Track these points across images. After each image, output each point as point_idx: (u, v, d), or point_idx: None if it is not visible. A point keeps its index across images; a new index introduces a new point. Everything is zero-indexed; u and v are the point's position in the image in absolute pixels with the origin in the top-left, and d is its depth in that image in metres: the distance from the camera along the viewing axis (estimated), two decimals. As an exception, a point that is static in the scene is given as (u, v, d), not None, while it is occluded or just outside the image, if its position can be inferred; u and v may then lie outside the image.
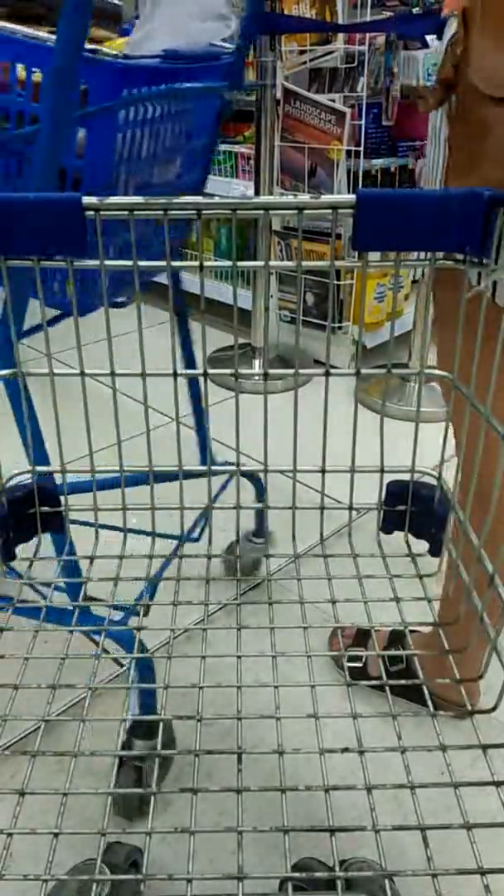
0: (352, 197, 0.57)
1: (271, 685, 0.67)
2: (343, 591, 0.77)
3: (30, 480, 0.78)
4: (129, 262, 0.67)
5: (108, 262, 0.71)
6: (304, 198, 0.58)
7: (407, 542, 0.81)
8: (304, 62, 2.34)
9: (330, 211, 0.59)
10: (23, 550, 0.78)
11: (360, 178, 2.30)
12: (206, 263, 0.67)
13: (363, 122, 2.24)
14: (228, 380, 2.31)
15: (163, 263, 0.67)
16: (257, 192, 2.40)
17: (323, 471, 0.79)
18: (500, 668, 0.60)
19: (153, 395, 0.72)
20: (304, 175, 2.41)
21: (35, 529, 0.80)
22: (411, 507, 0.79)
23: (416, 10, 2.35)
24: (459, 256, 0.61)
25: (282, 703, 0.65)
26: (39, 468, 0.78)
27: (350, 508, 0.82)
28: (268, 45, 2.18)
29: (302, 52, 2.32)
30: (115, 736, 0.62)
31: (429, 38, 2.32)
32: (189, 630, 0.72)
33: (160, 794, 0.57)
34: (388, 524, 0.81)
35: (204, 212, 0.59)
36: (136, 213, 0.59)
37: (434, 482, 0.79)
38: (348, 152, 2.28)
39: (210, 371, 0.75)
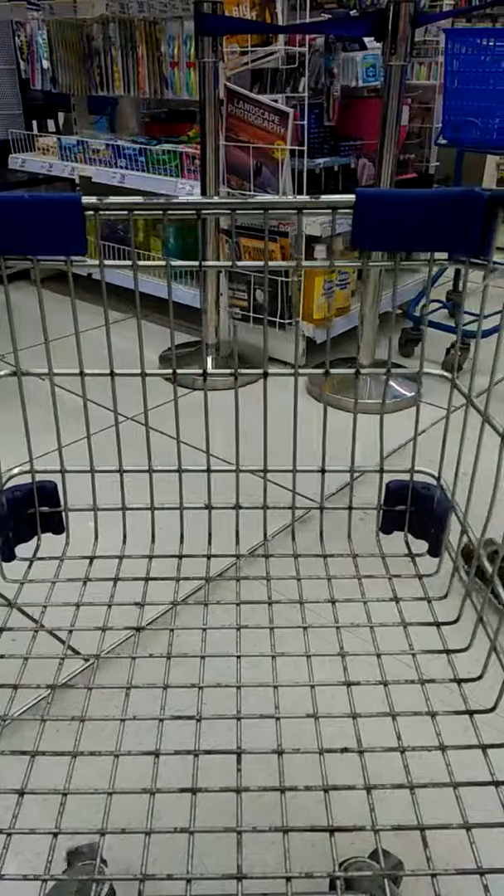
0: (351, 197, 0.57)
1: (271, 685, 0.67)
2: (343, 591, 0.77)
3: (29, 480, 0.78)
4: (129, 263, 0.67)
5: (107, 262, 0.71)
6: (304, 198, 0.58)
7: (406, 542, 0.81)
8: (246, 63, 2.35)
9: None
10: (22, 551, 0.78)
11: (305, 178, 2.31)
12: (206, 264, 0.67)
13: (305, 121, 2.26)
14: (184, 378, 2.32)
15: (162, 263, 0.67)
16: (204, 192, 2.41)
17: (323, 471, 0.79)
18: (500, 668, 0.60)
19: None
20: (250, 174, 2.41)
21: (35, 529, 0.80)
22: (410, 508, 0.79)
23: (353, 13, 2.39)
24: (459, 256, 0.61)
25: (282, 703, 0.65)
26: (39, 468, 0.78)
27: (350, 508, 0.82)
28: (209, 46, 2.18)
29: (243, 53, 2.33)
30: (115, 736, 0.62)
31: (366, 39, 2.36)
32: (188, 629, 0.72)
33: (159, 793, 0.57)
34: (388, 524, 0.81)
35: (203, 212, 0.59)
36: (135, 212, 0.59)
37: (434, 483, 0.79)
38: (292, 151, 2.29)
39: (210, 371, 0.75)
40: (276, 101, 2.29)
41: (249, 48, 2.31)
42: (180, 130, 2.95)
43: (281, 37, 2.25)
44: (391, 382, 2.30)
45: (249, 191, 2.43)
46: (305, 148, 2.28)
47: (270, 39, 2.28)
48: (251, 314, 2.63)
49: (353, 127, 2.54)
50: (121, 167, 2.82)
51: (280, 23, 2.24)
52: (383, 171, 2.13)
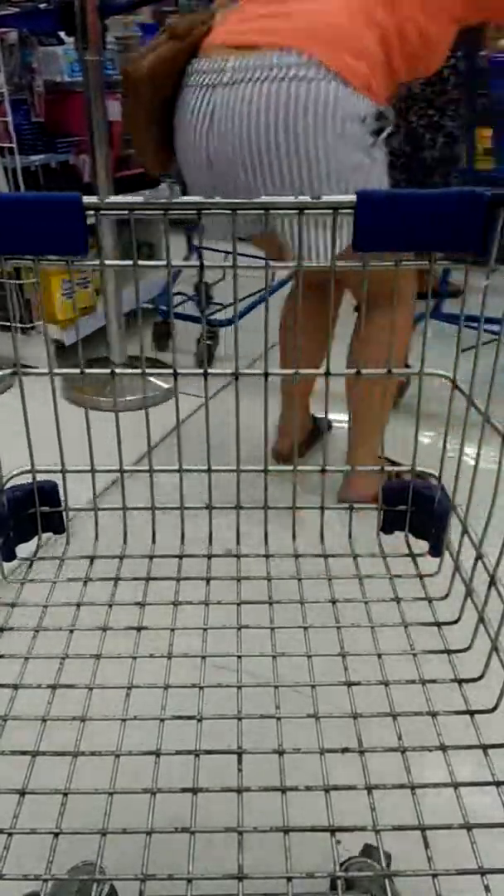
0: (352, 197, 0.57)
1: (272, 685, 0.67)
2: (343, 591, 0.77)
3: (30, 480, 0.78)
4: (129, 262, 0.67)
5: (107, 262, 0.71)
6: (304, 198, 0.58)
7: (407, 542, 0.81)
8: None
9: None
10: (22, 551, 0.78)
11: (20, 176, 2.25)
12: (207, 264, 0.67)
13: (10, 118, 2.18)
14: None
15: (162, 263, 0.67)
16: None
17: (323, 470, 0.79)
18: (501, 668, 0.60)
19: None
20: (-44, 174, 2.30)
21: (35, 529, 0.80)
22: (411, 508, 0.79)
23: (43, 6, 2.33)
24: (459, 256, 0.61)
25: (282, 703, 0.65)
26: (39, 468, 0.78)
27: (350, 508, 0.82)
28: None
29: None
30: (115, 736, 0.62)
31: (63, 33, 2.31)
32: (189, 629, 0.73)
33: (159, 793, 0.57)
34: (389, 524, 0.81)
35: (204, 212, 0.59)
36: (135, 212, 0.59)
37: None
38: (1, 149, 2.22)
39: (210, 371, 0.75)
40: (-31, 96, 2.21)
41: None
42: None
43: (-35, 30, 2.18)
44: (150, 378, 2.30)
45: (-41, 191, 2.37)
46: (15, 145, 2.22)
47: (-47, 34, 2.20)
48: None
49: (66, 123, 2.51)
50: None
51: (-40, 14, 2.17)
52: (99, 168, 2.10)
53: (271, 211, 0.59)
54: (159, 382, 2.30)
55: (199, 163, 1.41)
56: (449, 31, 1.36)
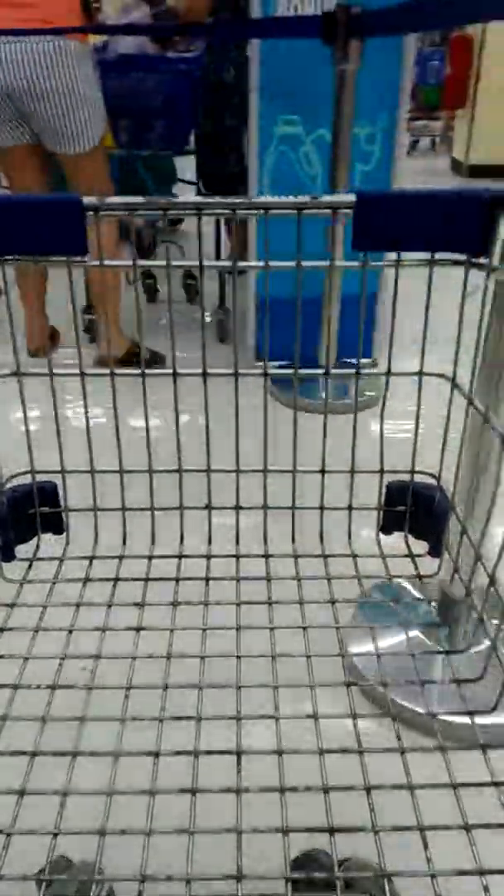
0: (351, 197, 0.57)
1: (271, 685, 0.67)
2: (343, 592, 0.77)
3: (29, 481, 0.78)
4: (129, 262, 0.67)
5: (107, 262, 0.71)
6: (304, 198, 0.58)
7: (407, 542, 0.81)
8: None
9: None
10: (22, 551, 0.78)
11: None
12: (206, 263, 0.67)
13: None
14: None
15: (163, 263, 0.67)
16: None
17: (323, 471, 0.79)
18: (500, 668, 0.60)
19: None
20: None
21: (35, 529, 0.80)
22: (411, 508, 0.79)
23: None
24: (459, 256, 0.61)
25: (281, 703, 0.65)
26: (39, 468, 0.78)
27: (350, 508, 0.82)
28: None
29: None
30: (115, 735, 0.62)
31: None
32: (188, 629, 0.73)
33: (159, 793, 0.57)
34: (389, 524, 0.81)
35: (204, 211, 0.59)
36: (136, 212, 0.59)
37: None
38: None
39: (210, 371, 0.75)
40: None
41: None
42: None
43: None
44: None
45: None
46: None
47: None
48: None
49: None
50: None
51: None
52: None
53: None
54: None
55: None
56: None
